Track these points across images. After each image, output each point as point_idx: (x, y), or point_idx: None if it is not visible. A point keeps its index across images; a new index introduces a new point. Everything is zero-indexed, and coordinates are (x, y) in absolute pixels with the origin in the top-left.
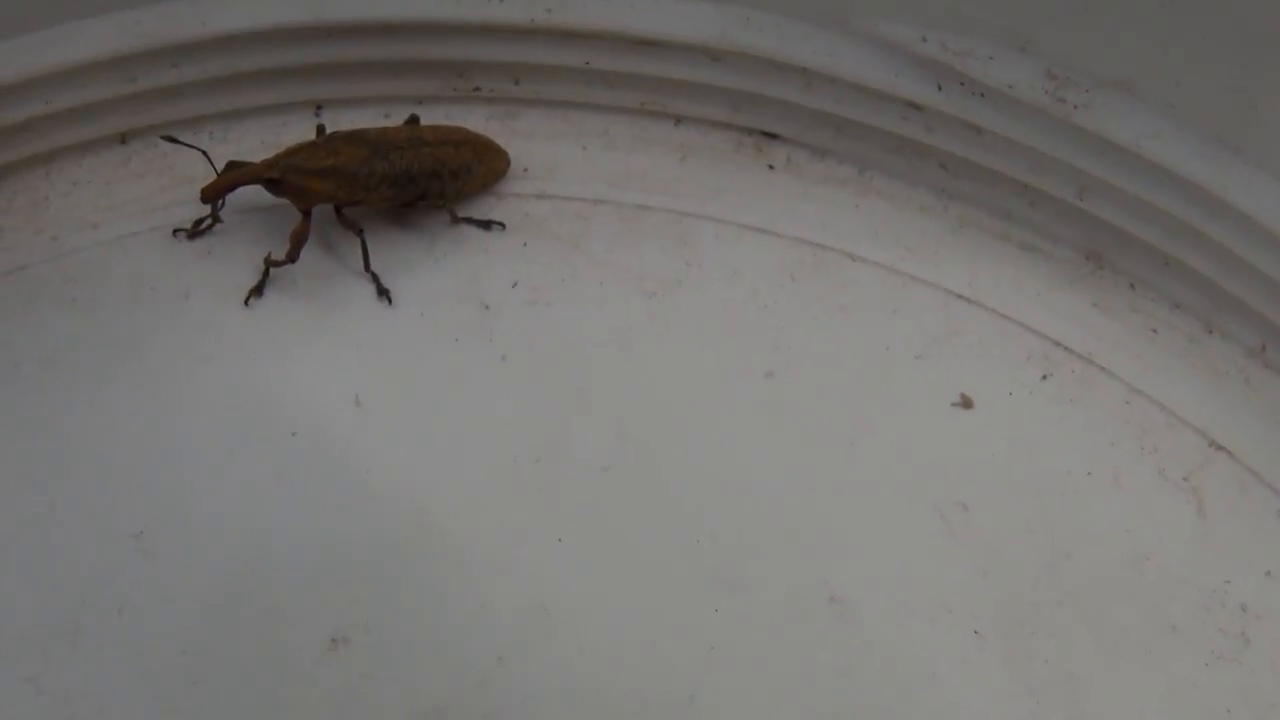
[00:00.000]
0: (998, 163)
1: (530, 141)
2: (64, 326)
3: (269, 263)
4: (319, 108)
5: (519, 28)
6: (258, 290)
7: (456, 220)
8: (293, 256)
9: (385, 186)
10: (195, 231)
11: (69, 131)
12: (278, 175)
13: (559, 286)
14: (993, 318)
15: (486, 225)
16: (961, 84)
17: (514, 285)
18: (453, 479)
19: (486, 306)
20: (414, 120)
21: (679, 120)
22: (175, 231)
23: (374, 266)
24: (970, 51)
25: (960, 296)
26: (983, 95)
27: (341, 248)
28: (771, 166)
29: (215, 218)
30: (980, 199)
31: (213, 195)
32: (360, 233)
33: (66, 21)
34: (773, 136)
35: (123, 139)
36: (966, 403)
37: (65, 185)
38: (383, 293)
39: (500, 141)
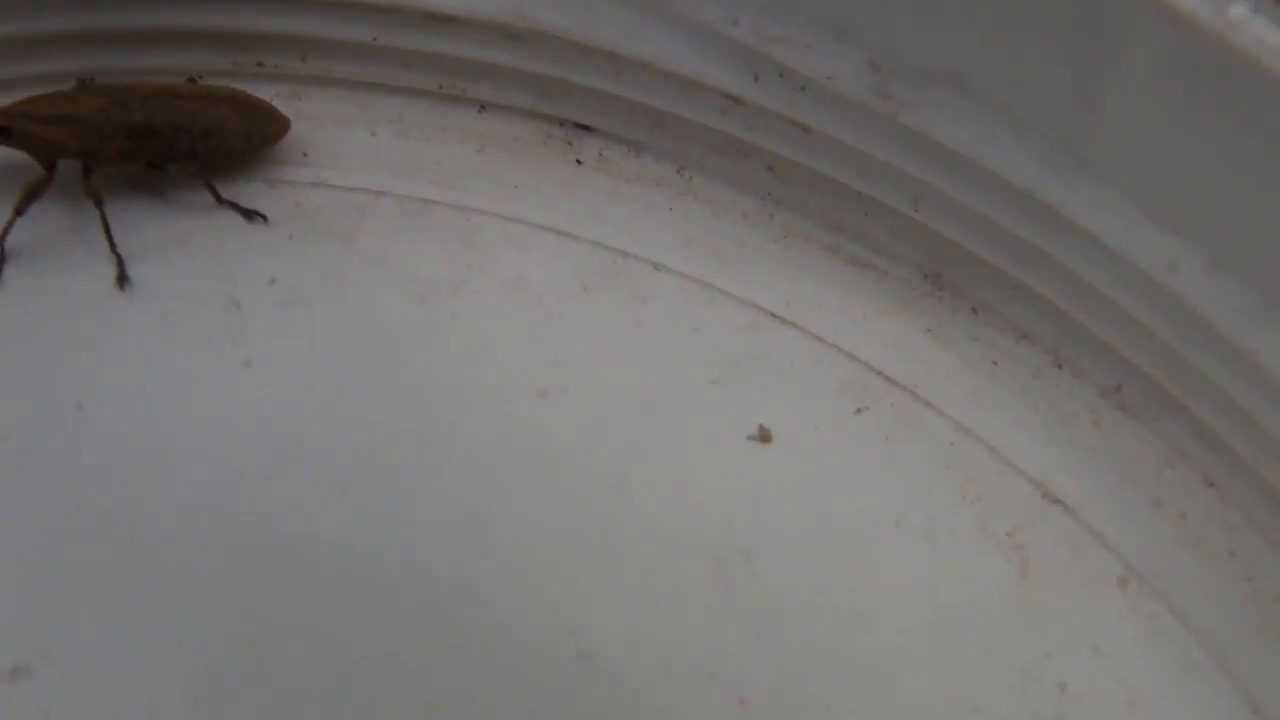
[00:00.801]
0: (827, 167)
1: (315, 124)
2: None
3: (0, 244)
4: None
5: None
6: None
7: (220, 201)
8: (19, 208)
9: (123, 138)
10: None
11: None
12: (5, 122)
13: (320, 286)
14: (807, 341)
15: (249, 214)
16: (780, 75)
17: (271, 282)
18: (174, 496)
19: (238, 305)
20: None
21: (483, 107)
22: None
23: (118, 250)
24: (786, 38)
25: (773, 315)
26: (803, 89)
27: (89, 232)
28: (580, 162)
29: None
30: (809, 207)
31: None
32: (100, 204)
33: None
34: (586, 128)
35: None
36: (765, 436)
37: None
38: (123, 279)
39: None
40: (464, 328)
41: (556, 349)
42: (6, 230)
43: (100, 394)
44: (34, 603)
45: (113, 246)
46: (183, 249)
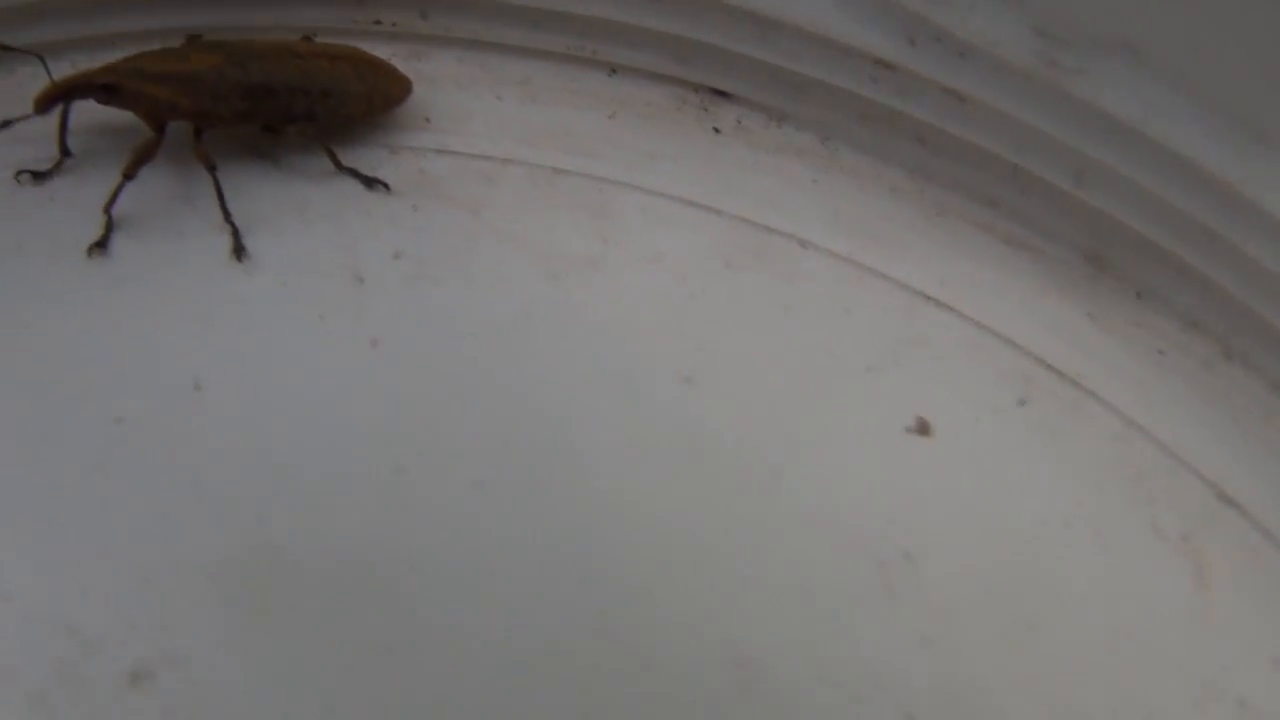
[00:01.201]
0: (983, 138)
1: (437, 87)
2: None
3: (109, 211)
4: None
5: None
6: (101, 244)
7: (339, 168)
8: (128, 172)
9: (238, 98)
10: (40, 175)
11: None
12: (114, 80)
13: (449, 261)
14: (965, 326)
15: (370, 182)
16: (938, 39)
17: (396, 256)
18: (300, 486)
19: (361, 280)
20: (304, 39)
21: (614, 70)
22: (18, 174)
23: (233, 220)
24: None
25: (928, 298)
26: (962, 55)
27: (200, 199)
28: (717, 130)
29: (63, 150)
30: (962, 182)
31: (46, 102)
32: (213, 170)
33: None
34: (723, 95)
35: None
36: (923, 428)
37: None
38: (239, 250)
39: None
40: (601, 307)
41: (700, 331)
42: (114, 196)
43: (218, 373)
44: (154, 600)
45: (227, 215)
46: (300, 218)
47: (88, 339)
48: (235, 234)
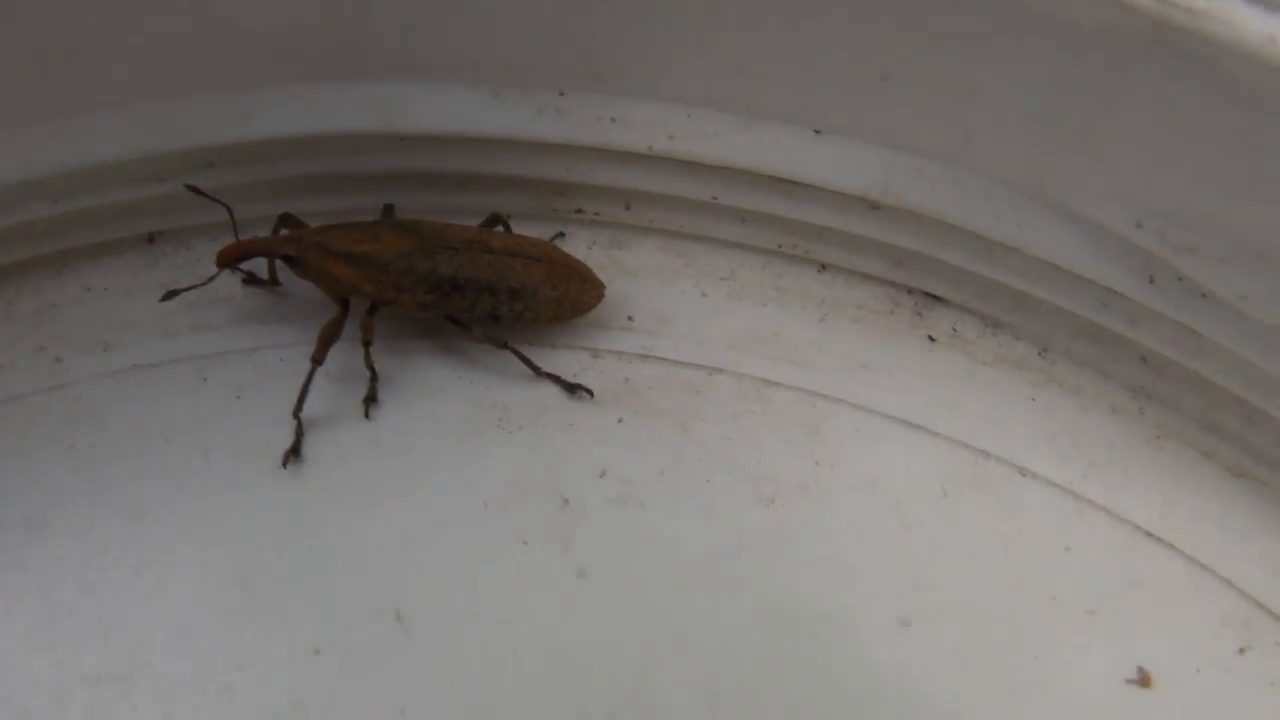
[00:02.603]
0: (1212, 371)
1: (639, 281)
2: (57, 478)
3: (298, 415)
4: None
5: (634, 153)
6: (295, 450)
7: (538, 373)
8: (317, 357)
9: (423, 290)
10: (184, 290)
11: (84, 231)
12: (296, 252)
13: (657, 482)
14: (1186, 566)
15: (572, 389)
16: (1179, 279)
17: (601, 475)
18: None
19: (566, 501)
20: (496, 221)
21: (823, 267)
22: (167, 295)
23: (424, 425)
24: (1196, 248)
25: (1149, 535)
26: (1204, 297)
27: (391, 403)
28: (932, 338)
29: (273, 280)
30: (1184, 404)
31: (228, 260)
32: (368, 345)
33: (79, 113)
34: (936, 299)
35: (150, 239)
36: (1145, 680)
37: (77, 290)
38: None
39: (604, 277)
40: (815, 537)
41: (918, 568)
42: (304, 393)
43: (420, 603)
44: None
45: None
46: (500, 427)
47: (280, 560)
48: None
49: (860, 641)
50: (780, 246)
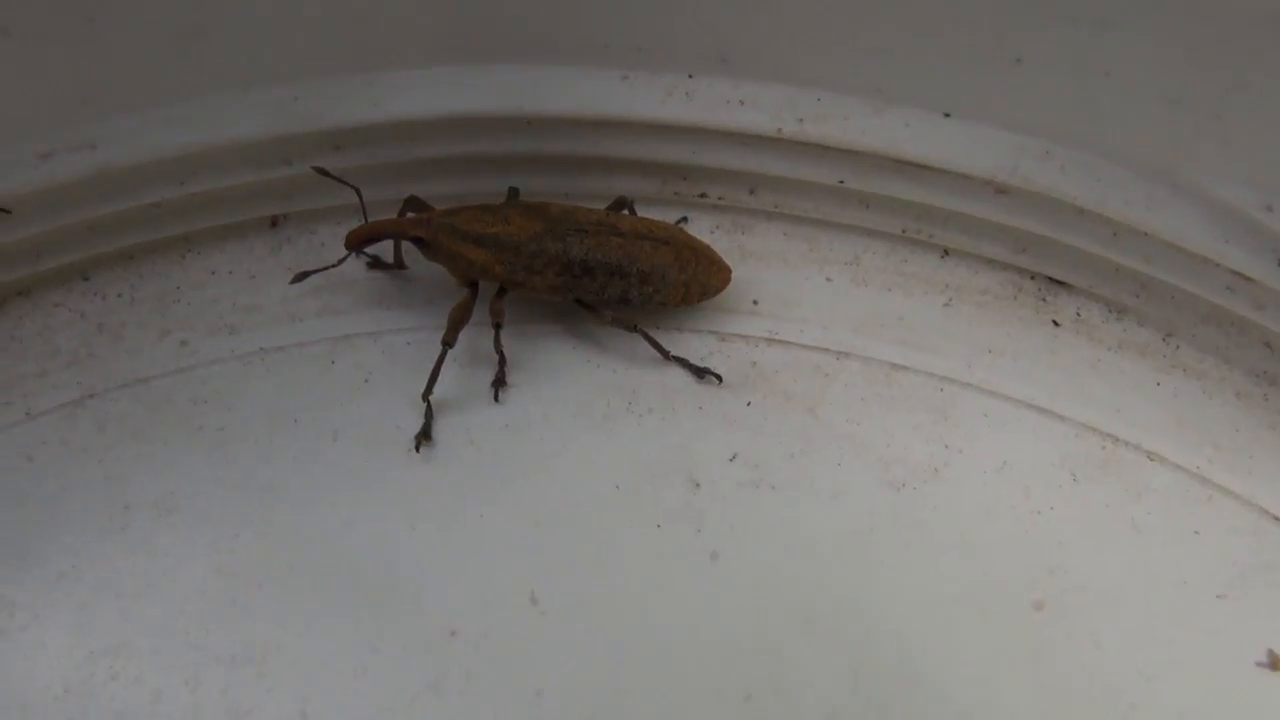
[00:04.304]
0: None
1: (762, 264)
2: (186, 462)
3: (428, 398)
4: (517, 193)
5: (762, 136)
6: (425, 433)
7: (666, 357)
8: (448, 340)
9: (554, 273)
10: (313, 272)
11: (209, 214)
12: (426, 234)
13: (787, 465)
14: None
15: (700, 373)
16: None
17: (732, 459)
18: (642, 712)
19: (697, 484)
20: (621, 205)
21: (946, 253)
22: (297, 277)
23: (554, 408)
24: None
25: (1276, 519)
26: None
27: (524, 385)
28: (1056, 323)
29: (399, 263)
30: None
31: (358, 243)
32: (499, 327)
33: (207, 94)
34: (1060, 284)
35: (273, 222)
36: (1275, 663)
37: (202, 273)
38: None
39: (728, 261)
40: (946, 521)
41: (1049, 551)
42: (435, 375)
43: (554, 585)
44: None
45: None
46: (630, 411)
47: (413, 542)
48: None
49: (994, 623)
50: (904, 231)
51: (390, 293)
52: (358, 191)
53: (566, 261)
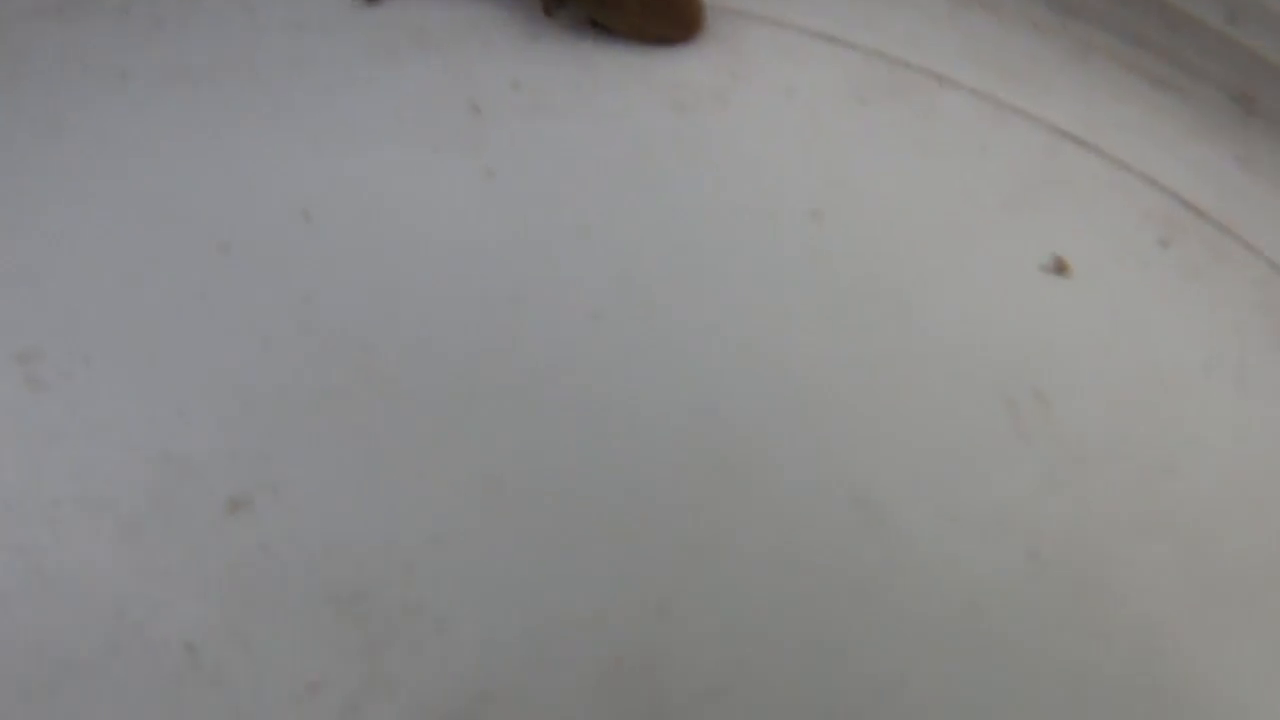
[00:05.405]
0: None
1: None
2: None
3: None
4: None
5: None
6: None
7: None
8: None
9: None
10: None
11: None
12: None
13: (571, 92)
14: (1107, 165)
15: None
16: None
17: (515, 87)
18: (408, 315)
19: (478, 110)
20: None
21: None
22: None
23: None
24: None
25: (1070, 137)
26: None
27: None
28: None
29: None
30: (1107, 18)
31: None
32: None
33: None
34: None
35: None
36: (1061, 267)
37: None
38: None
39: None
40: (728, 142)
41: (831, 167)
42: None
43: (328, 202)
44: (256, 429)
45: None
46: (418, 45)
47: (194, 165)
48: None
49: (770, 232)
50: None
51: None
52: None
53: None
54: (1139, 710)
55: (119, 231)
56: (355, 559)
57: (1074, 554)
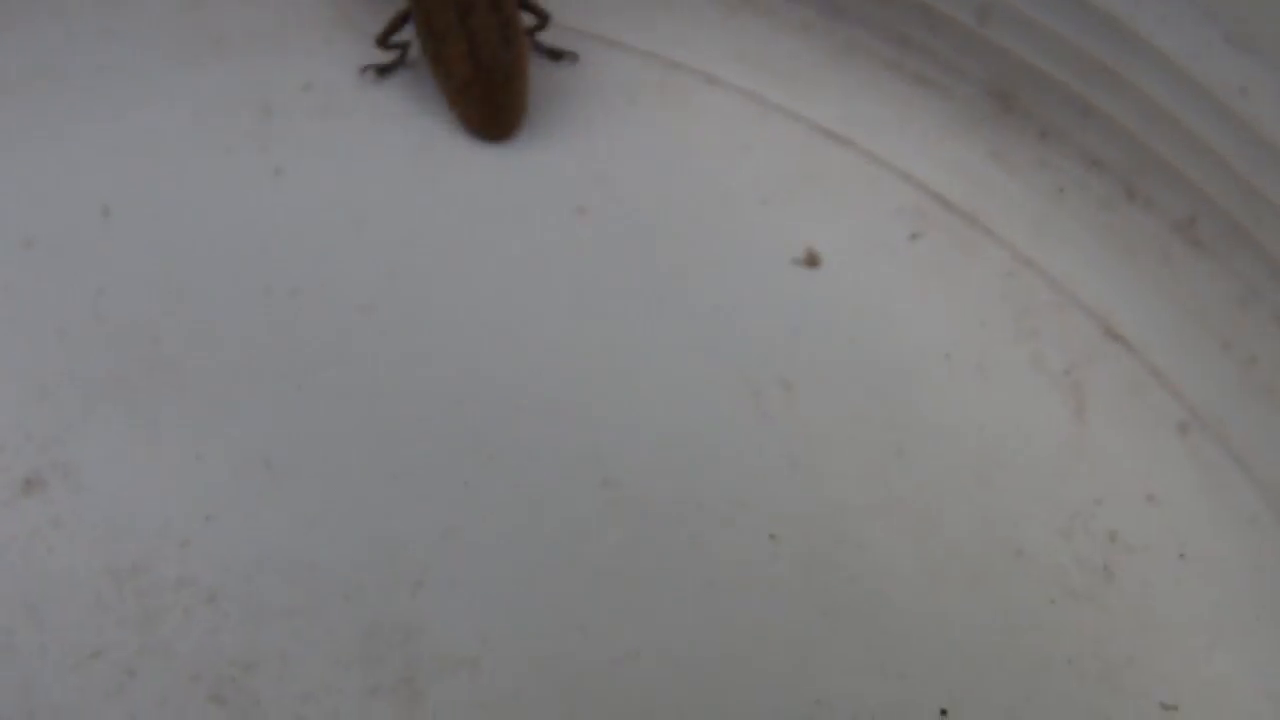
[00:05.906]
0: None
1: None
2: None
3: None
4: None
5: None
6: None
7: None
8: None
9: None
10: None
11: None
12: None
13: (358, 92)
14: (862, 161)
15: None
16: None
17: (306, 88)
18: (193, 306)
19: (270, 112)
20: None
21: None
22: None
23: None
24: None
25: (828, 134)
26: None
27: (122, 34)
28: None
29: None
30: (872, 20)
31: None
32: None
33: None
34: None
35: None
36: (811, 260)
37: None
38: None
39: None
40: (497, 145)
41: (598, 164)
42: None
43: (127, 200)
44: (50, 413)
45: None
46: (216, 52)
47: (2, 167)
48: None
49: (535, 227)
50: None
51: None
52: None
53: None
54: (865, 684)
55: None
56: (136, 535)
57: (811, 536)
